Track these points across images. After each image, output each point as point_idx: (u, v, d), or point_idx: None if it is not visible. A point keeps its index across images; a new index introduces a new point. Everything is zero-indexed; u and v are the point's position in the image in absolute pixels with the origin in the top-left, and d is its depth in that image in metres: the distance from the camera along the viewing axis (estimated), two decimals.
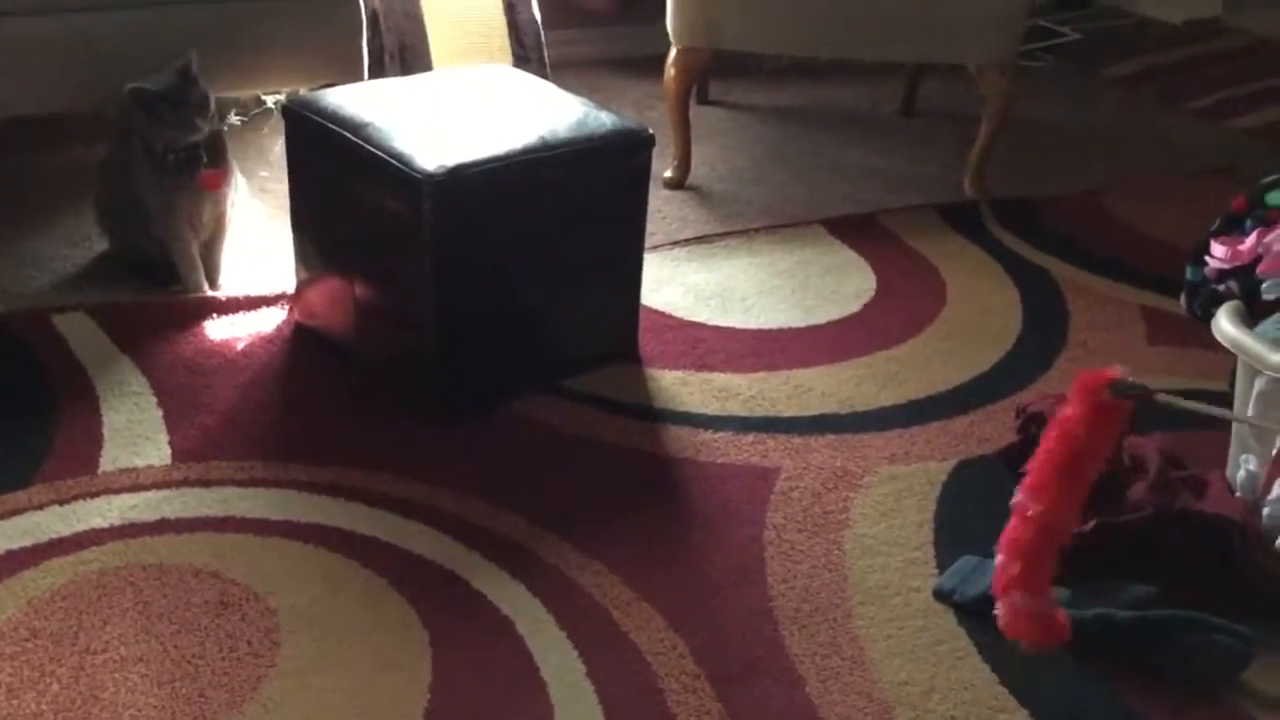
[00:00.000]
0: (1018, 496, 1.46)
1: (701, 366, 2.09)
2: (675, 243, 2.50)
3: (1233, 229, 2.13)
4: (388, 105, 1.96)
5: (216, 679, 1.43)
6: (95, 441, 1.81)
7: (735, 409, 1.98)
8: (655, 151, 2.02)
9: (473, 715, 1.41)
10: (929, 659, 1.52)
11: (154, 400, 1.90)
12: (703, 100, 3.21)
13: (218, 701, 1.40)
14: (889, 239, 2.57)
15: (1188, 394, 2.05)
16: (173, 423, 1.86)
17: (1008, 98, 2.68)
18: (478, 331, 1.91)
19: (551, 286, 1.97)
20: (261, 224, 2.44)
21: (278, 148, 2.68)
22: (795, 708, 1.44)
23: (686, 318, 2.24)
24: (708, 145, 2.95)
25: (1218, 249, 2.08)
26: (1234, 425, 1.75)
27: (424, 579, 1.60)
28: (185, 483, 1.74)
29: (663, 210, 2.63)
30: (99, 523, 1.65)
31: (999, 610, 1.46)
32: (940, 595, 1.62)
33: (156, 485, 1.73)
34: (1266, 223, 2.06)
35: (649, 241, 2.15)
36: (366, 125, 1.88)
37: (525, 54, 2.88)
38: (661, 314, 2.24)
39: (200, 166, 2.10)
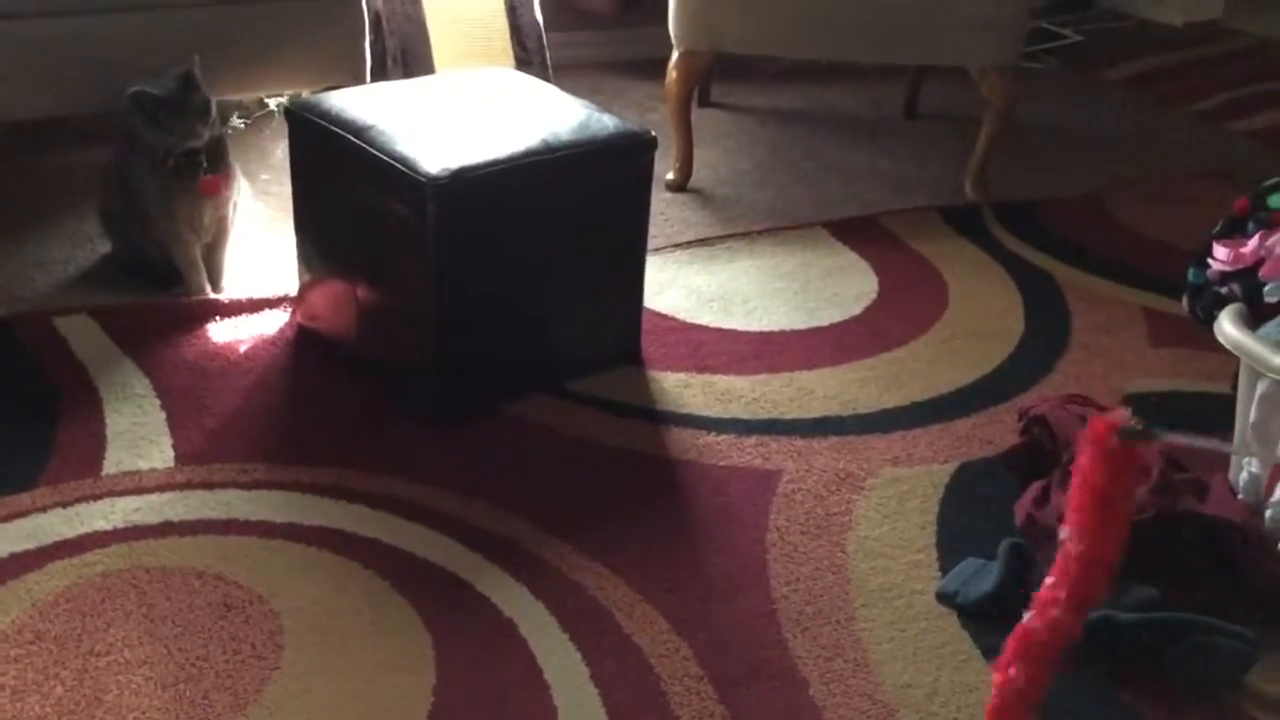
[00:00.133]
0: (1064, 534, 1.47)
1: (704, 369, 2.09)
2: (677, 245, 2.50)
3: (1235, 232, 2.14)
4: (390, 108, 1.96)
5: (220, 681, 1.43)
6: (98, 444, 1.81)
7: (737, 411, 1.98)
8: (657, 154, 2.02)
9: (476, 718, 1.41)
10: (932, 661, 1.53)
11: (157, 403, 1.90)
12: (704, 103, 3.21)
13: (221, 704, 1.40)
14: (891, 241, 2.57)
15: (1191, 397, 2.08)
16: (176, 425, 1.86)
17: (1009, 100, 2.68)
18: (480, 334, 1.91)
19: (554, 289, 1.98)
20: (263, 226, 2.44)
21: (280, 150, 2.69)
22: (798, 710, 1.44)
23: (688, 320, 2.24)
24: (709, 148, 2.95)
25: (1220, 251, 2.09)
26: (1237, 427, 1.75)
27: (427, 581, 1.60)
28: (188, 485, 1.74)
29: (665, 212, 2.63)
30: (102, 525, 1.65)
31: (1026, 619, 1.46)
32: (943, 598, 1.62)
33: (160, 488, 1.73)
34: (1268, 225, 2.07)
35: (651, 244, 2.15)
36: (369, 128, 1.89)
37: (527, 57, 2.89)
38: (664, 316, 2.24)
39: (200, 172, 2.10)
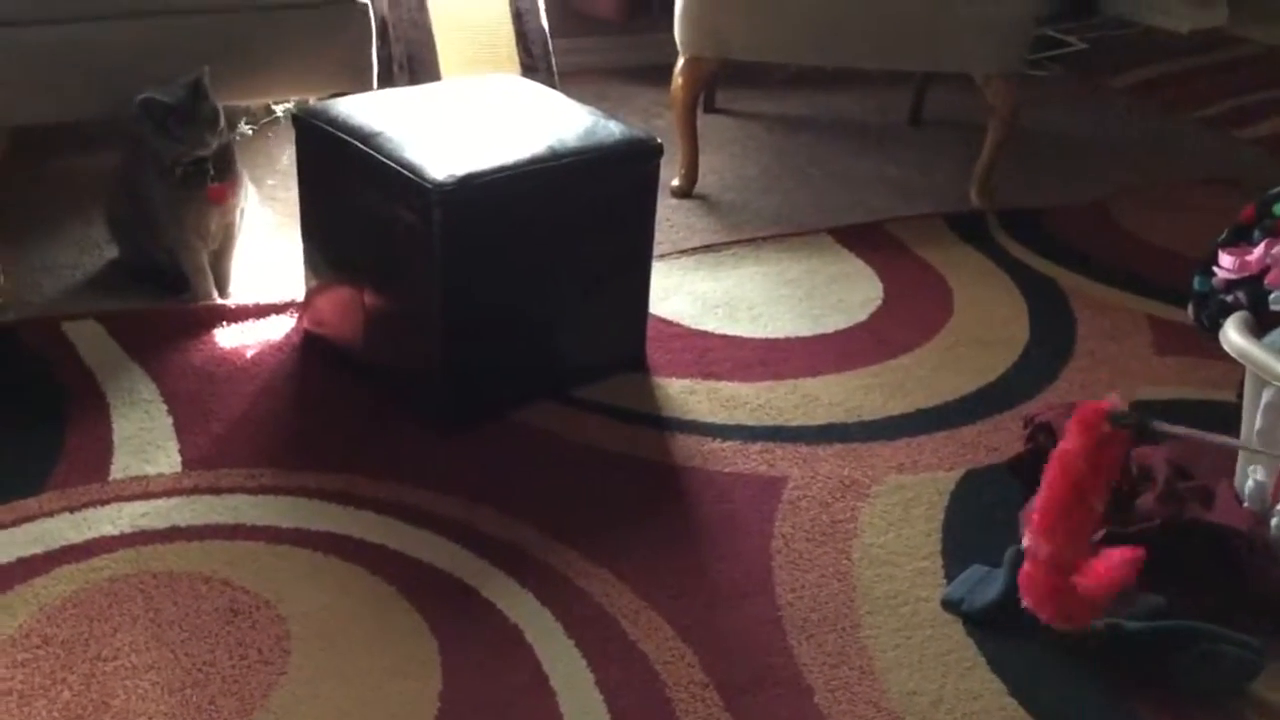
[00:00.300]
0: (1027, 541, 1.47)
1: (709, 375, 2.10)
2: (683, 251, 2.50)
3: (1241, 239, 2.14)
4: (397, 115, 1.96)
5: (227, 687, 1.43)
6: (106, 449, 1.81)
7: (743, 418, 1.98)
8: (663, 160, 2.02)
9: None
10: (937, 669, 1.53)
11: (164, 408, 1.91)
12: (710, 109, 3.22)
13: (228, 709, 1.40)
14: (896, 248, 2.57)
15: (1196, 405, 2.08)
16: (183, 430, 1.86)
17: (1014, 107, 2.68)
18: (486, 340, 1.92)
19: (560, 295, 1.98)
20: (271, 232, 2.44)
21: (287, 156, 2.70)
22: (804, 717, 1.45)
23: (694, 326, 2.24)
24: (715, 154, 2.96)
25: (1225, 259, 2.09)
26: (1242, 435, 1.75)
27: (433, 587, 1.60)
28: (195, 490, 1.74)
29: (670, 219, 2.63)
30: (110, 530, 1.66)
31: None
32: (948, 605, 1.62)
33: (167, 493, 1.73)
34: (1274, 233, 2.07)
35: (656, 250, 2.15)
36: (376, 135, 1.89)
37: (533, 63, 2.90)
38: (669, 323, 2.24)
39: (208, 180, 2.11)
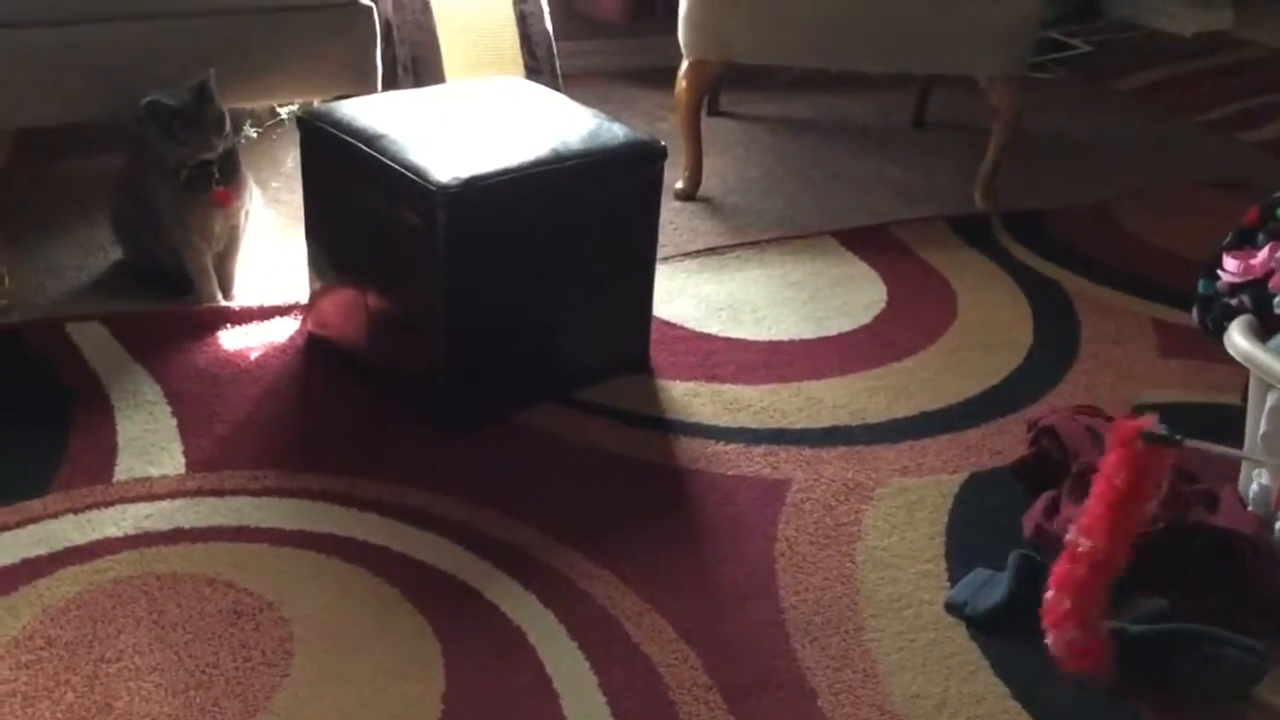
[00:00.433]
0: (1070, 534, 1.48)
1: (712, 378, 2.10)
2: (686, 254, 2.50)
3: (1245, 243, 2.13)
4: (401, 117, 1.97)
5: (230, 688, 1.43)
6: (109, 451, 1.81)
7: (746, 420, 1.98)
8: (666, 163, 2.02)
9: None
10: (941, 672, 1.52)
11: (168, 409, 1.91)
12: (713, 112, 3.22)
13: (231, 711, 1.40)
14: (900, 250, 2.57)
15: (1200, 409, 2.07)
16: (187, 432, 1.86)
17: (1018, 110, 2.68)
18: (490, 342, 1.92)
19: (563, 297, 1.98)
20: (275, 235, 2.45)
21: (291, 158, 2.70)
22: None
23: (697, 329, 2.24)
24: (719, 157, 2.96)
25: (1230, 263, 2.08)
26: (1247, 439, 1.74)
27: (436, 589, 1.60)
28: (199, 492, 1.75)
29: (674, 221, 2.63)
30: (113, 532, 1.66)
31: (1051, 642, 1.47)
32: (952, 608, 1.62)
33: (171, 495, 1.74)
34: (1279, 236, 2.06)
35: (660, 253, 2.15)
36: (380, 137, 1.89)
37: (537, 65, 2.90)
38: (672, 325, 2.24)
39: (213, 183, 2.11)
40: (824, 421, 1.99)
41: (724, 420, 1.98)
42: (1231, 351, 1.70)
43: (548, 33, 2.93)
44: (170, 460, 1.80)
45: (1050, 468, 1.80)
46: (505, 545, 1.68)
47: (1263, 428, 1.68)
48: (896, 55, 2.69)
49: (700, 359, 2.15)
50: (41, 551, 1.61)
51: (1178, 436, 1.41)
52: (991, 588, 1.62)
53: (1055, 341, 2.27)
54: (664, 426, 1.96)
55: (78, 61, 2.21)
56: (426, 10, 2.82)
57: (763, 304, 2.34)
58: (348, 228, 2.01)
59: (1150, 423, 1.42)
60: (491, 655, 1.51)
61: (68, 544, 1.63)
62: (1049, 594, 1.49)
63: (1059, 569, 1.48)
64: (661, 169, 2.02)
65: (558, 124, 1.99)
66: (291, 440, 1.87)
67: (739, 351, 2.18)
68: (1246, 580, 1.62)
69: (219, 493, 1.75)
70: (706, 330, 2.24)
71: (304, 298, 2.15)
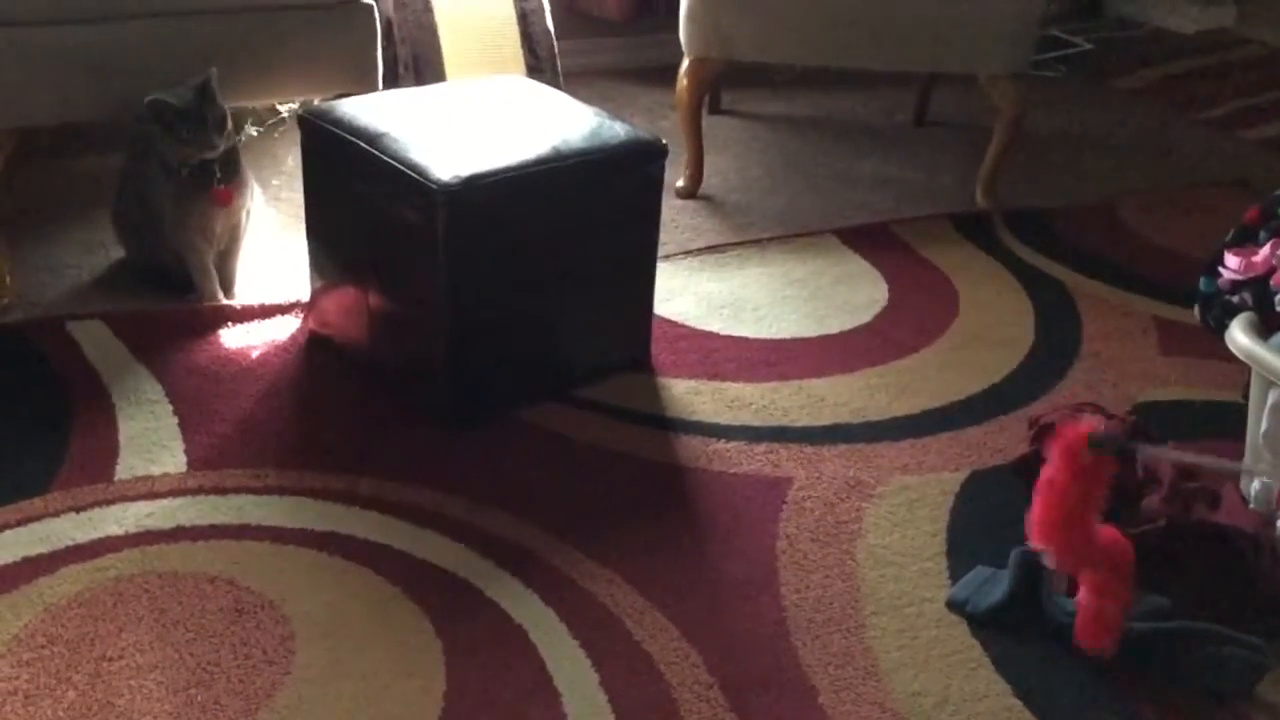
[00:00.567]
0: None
1: (714, 376, 2.10)
2: (688, 252, 2.50)
3: (1246, 240, 2.13)
4: (402, 115, 1.97)
5: (231, 686, 1.43)
6: (111, 449, 1.82)
7: (747, 418, 1.98)
8: (668, 161, 2.02)
9: None
10: (942, 670, 1.52)
11: (169, 408, 1.91)
12: (715, 110, 3.22)
13: (233, 709, 1.40)
14: (901, 249, 2.57)
15: (1202, 406, 2.07)
16: (188, 431, 1.86)
17: (1019, 108, 2.68)
18: (491, 340, 1.92)
19: (564, 296, 1.98)
20: (276, 233, 2.45)
21: (292, 157, 2.70)
22: (808, 718, 1.44)
23: (699, 327, 2.24)
24: (720, 155, 2.96)
25: (1231, 260, 2.08)
26: (1248, 437, 1.74)
27: (437, 587, 1.60)
28: (200, 490, 1.75)
29: (675, 219, 2.63)
30: (115, 530, 1.66)
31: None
32: (953, 606, 1.62)
33: (172, 493, 1.74)
34: None
35: (661, 251, 2.15)
36: (381, 135, 1.89)
37: (538, 64, 2.90)
38: (674, 323, 2.24)
39: (214, 182, 2.11)
40: (825, 419, 1.99)
41: (725, 418, 1.98)
42: (1233, 349, 1.70)
43: (549, 31, 2.93)
44: (171, 458, 1.81)
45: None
46: (506, 543, 1.68)
47: (1264, 425, 1.68)
48: (898, 53, 2.68)
49: (701, 357, 2.15)
50: (43, 550, 1.62)
51: (1126, 441, 1.40)
52: (993, 585, 1.62)
53: (1056, 339, 2.27)
54: (665, 424, 1.96)
55: (79, 60, 2.21)
56: (428, 9, 2.82)
57: (764, 302, 2.34)
58: (349, 226, 2.01)
59: (1095, 425, 1.41)
60: (493, 653, 1.51)
61: (69, 542, 1.63)
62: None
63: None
64: (662, 167, 2.02)
65: (559, 122, 1.99)
66: (292, 439, 1.87)
67: (740, 349, 2.18)
68: (1248, 578, 1.62)
69: (220, 491, 1.75)
70: (708, 328, 2.24)
71: (305, 296, 2.15)
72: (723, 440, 1.92)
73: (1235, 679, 1.51)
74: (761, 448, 1.91)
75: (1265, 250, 2.04)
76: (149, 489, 1.74)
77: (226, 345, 2.08)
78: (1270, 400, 1.66)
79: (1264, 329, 1.73)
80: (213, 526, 1.68)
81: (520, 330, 1.96)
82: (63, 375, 1.98)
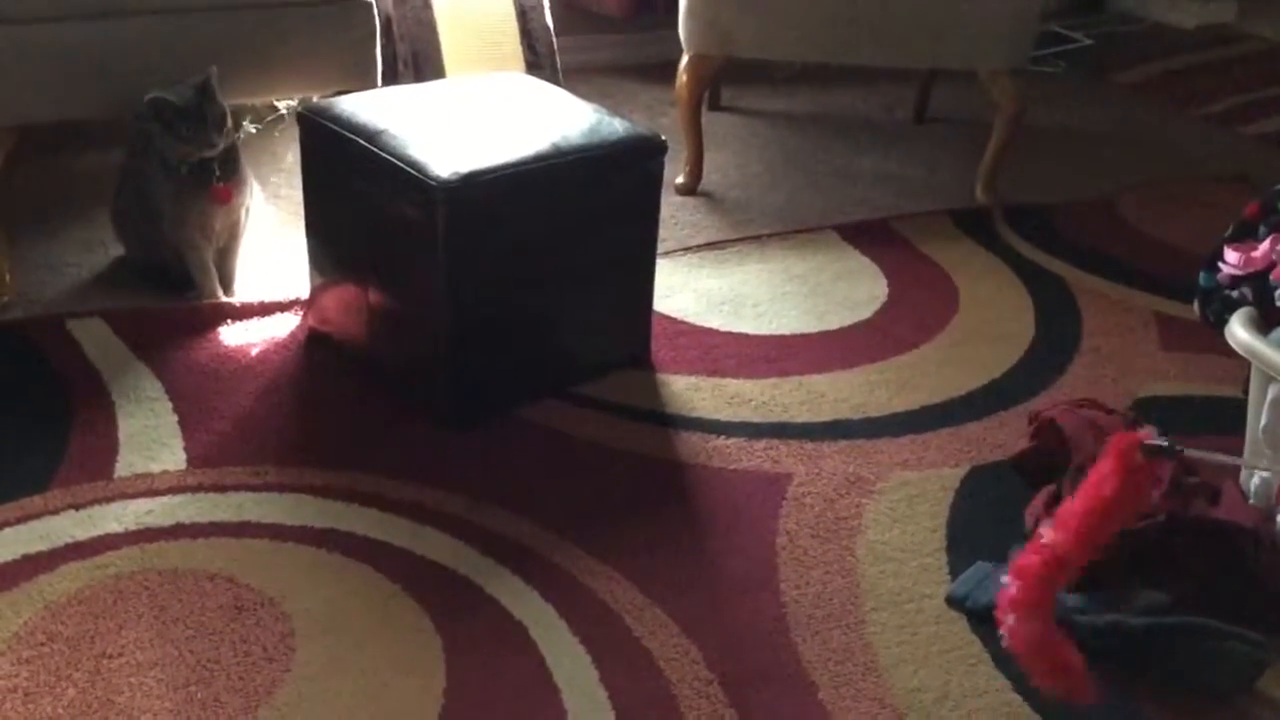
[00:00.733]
0: (1041, 526, 1.47)
1: (713, 372, 2.10)
2: (687, 248, 2.50)
3: (1246, 235, 2.13)
4: (401, 112, 1.96)
5: (231, 683, 1.43)
6: (111, 447, 1.82)
7: (747, 414, 1.98)
8: (667, 157, 2.02)
9: None
10: (942, 666, 1.52)
11: (169, 406, 1.91)
12: (714, 106, 3.22)
13: (232, 706, 1.40)
14: (901, 245, 2.57)
15: (1202, 401, 2.07)
16: (188, 428, 1.87)
17: (1019, 103, 2.68)
18: (490, 337, 1.92)
19: (564, 292, 1.98)
20: (275, 230, 2.45)
21: (291, 154, 2.70)
22: (808, 713, 1.44)
23: (698, 323, 2.24)
24: (719, 151, 2.95)
25: (1231, 255, 2.09)
26: (1248, 432, 1.74)
27: (437, 584, 1.60)
28: (200, 488, 1.75)
29: (675, 216, 2.63)
30: (115, 528, 1.66)
31: (1002, 631, 1.46)
32: (953, 602, 1.62)
33: (172, 490, 1.74)
34: None
35: (661, 247, 2.15)
36: (380, 132, 1.89)
37: (538, 60, 2.90)
38: (673, 320, 2.24)
39: (213, 180, 2.11)
40: (825, 415, 1.99)
41: (725, 415, 1.98)
42: (1233, 344, 1.70)
43: (548, 27, 2.93)
44: (171, 456, 1.81)
45: (1051, 461, 1.80)
46: (506, 540, 1.68)
47: (1264, 420, 1.68)
48: (898, 49, 2.68)
49: (701, 353, 2.15)
50: (42, 547, 1.62)
51: (1178, 447, 1.40)
52: (993, 581, 1.62)
53: (1056, 335, 2.27)
54: (665, 421, 1.96)
55: (79, 58, 2.21)
56: (427, 5, 2.82)
57: (764, 298, 2.34)
58: (348, 223, 2.01)
59: (1149, 435, 1.42)
60: (492, 650, 1.51)
61: (69, 540, 1.63)
62: (1004, 579, 1.46)
63: (1019, 558, 1.45)
64: (662, 164, 2.02)
65: (558, 119, 1.99)
66: (292, 436, 1.87)
67: (740, 346, 2.18)
68: (1249, 573, 1.62)
69: (220, 488, 1.75)
70: (707, 325, 2.24)
71: (304, 293, 2.15)
72: (723, 436, 1.92)
73: (1235, 675, 1.51)
74: (761, 444, 1.91)
75: (1265, 245, 2.04)
76: (149, 486, 1.74)
77: (226, 343, 2.08)
78: (1270, 395, 1.66)
79: (1264, 324, 1.73)
80: (213, 524, 1.68)
81: (520, 327, 1.96)
82: (62, 373, 1.98)
